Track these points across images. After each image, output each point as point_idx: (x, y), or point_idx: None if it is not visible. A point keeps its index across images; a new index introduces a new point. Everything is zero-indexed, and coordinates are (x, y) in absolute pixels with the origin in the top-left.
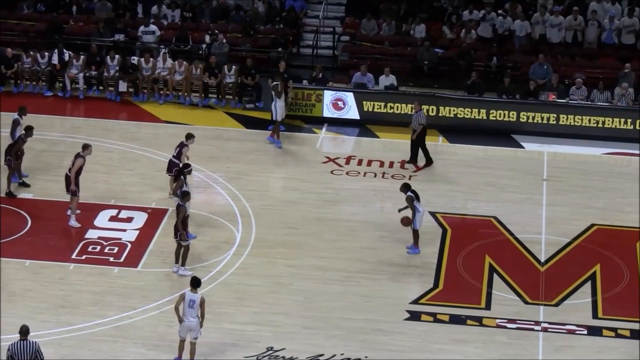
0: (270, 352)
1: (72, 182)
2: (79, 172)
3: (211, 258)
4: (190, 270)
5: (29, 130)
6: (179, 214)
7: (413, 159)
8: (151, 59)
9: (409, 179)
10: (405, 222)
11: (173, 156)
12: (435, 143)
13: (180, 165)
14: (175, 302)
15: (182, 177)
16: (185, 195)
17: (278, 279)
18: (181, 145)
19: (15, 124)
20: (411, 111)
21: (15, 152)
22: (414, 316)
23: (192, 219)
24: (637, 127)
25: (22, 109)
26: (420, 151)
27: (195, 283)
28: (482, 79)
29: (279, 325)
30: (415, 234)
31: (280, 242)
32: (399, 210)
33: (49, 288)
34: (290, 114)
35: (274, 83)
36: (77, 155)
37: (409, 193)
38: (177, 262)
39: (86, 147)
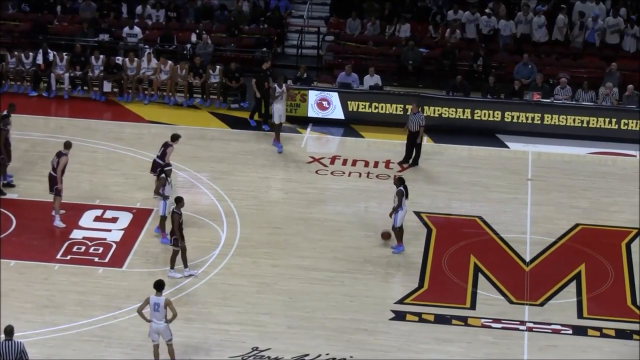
0: (256, 352)
1: (58, 181)
2: (63, 170)
3: (196, 258)
4: (175, 270)
5: (5, 118)
6: (173, 221)
7: (406, 159)
8: (135, 58)
9: (394, 178)
10: (386, 236)
11: (157, 156)
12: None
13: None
14: (139, 306)
15: (163, 175)
16: (179, 202)
17: (263, 279)
18: (165, 146)
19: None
20: (396, 111)
21: (3, 146)
22: (399, 316)
23: None
24: (622, 127)
25: (11, 106)
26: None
27: (159, 286)
28: (467, 79)
29: (263, 325)
30: (396, 231)
31: (265, 242)
32: (391, 215)
33: (34, 288)
34: None
35: (272, 86)
36: (60, 154)
37: (400, 188)
38: (185, 266)
39: (68, 144)
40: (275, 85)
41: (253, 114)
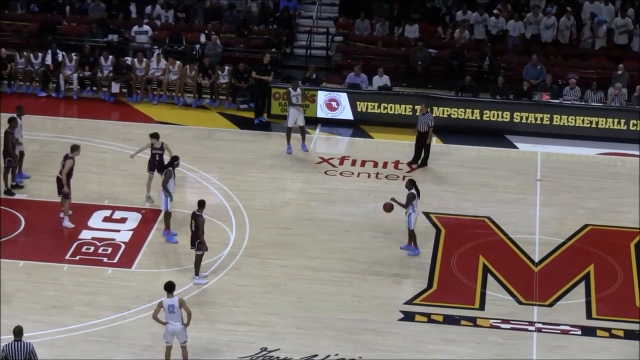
0: (265, 352)
1: (64, 184)
2: (69, 173)
3: (205, 258)
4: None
5: (11, 121)
6: (197, 225)
7: (415, 160)
8: (144, 59)
9: (403, 179)
10: (388, 207)
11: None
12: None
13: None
14: (153, 312)
15: (170, 168)
16: (201, 205)
17: (271, 280)
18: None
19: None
20: (405, 111)
21: (9, 148)
22: (408, 316)
23: (186, 220)
24: (631, 128)
25: (20, 109)
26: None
27: (169, 288)
28: (476, 80)
29: (271, 325)
30: (411, 234)
31: (273, 243)
32: (397, 202)
33: (42, 288)
34: (284, 114)
35: (287, 90)
36: (66, 157)
37: (412, 190)
38: (197, 273)
39: (75, 148)
40: (290, 88)
41: (260, 113)
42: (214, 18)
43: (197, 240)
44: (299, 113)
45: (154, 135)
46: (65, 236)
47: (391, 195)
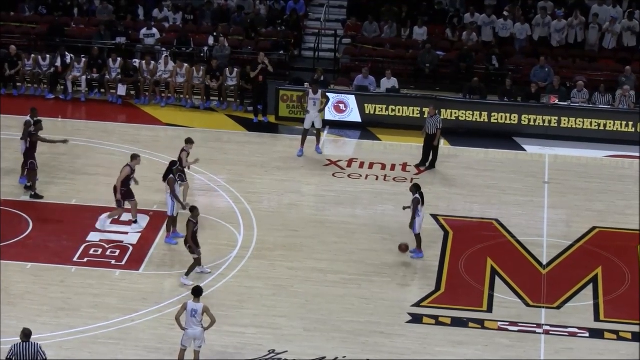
0: (273, 354)
1: (117, 191)
2: (124, 181)
3: (213, 260)
4: (187, 277)
5: (37, 124)
6: (188, 229)
7: (423, 162)
8: (152, 61)
9: (411, 181)
10: (403, 248)
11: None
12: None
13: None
14: (176, 313)
15: (171, 176)
16: (193, 210)
17: (279, 282)
18: (181, 150)
19: (27, 125)
20: (413, 114)
21: (35, 150)
22: (416, 319)
23: None
24: (639, 130)
25: (34, 111)
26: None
27: (197, 292)
28: (484, 82)
29: (279, 327)
30: (417, 238)
31: (281, 245)
32: (404, 208)
33: (50, 291)
34: (292, 117)
35: (306, 91)
36: (126, 165)
37: (417, 195)
38: (187, 274)
39: (135, 157)
40: (310, 90)
41: (257, 113)
42: (222, 20)
43: (187, 245)
44: (316, 115)
45: (189, 141)
46: (73, 238)
47: (398, 197)
